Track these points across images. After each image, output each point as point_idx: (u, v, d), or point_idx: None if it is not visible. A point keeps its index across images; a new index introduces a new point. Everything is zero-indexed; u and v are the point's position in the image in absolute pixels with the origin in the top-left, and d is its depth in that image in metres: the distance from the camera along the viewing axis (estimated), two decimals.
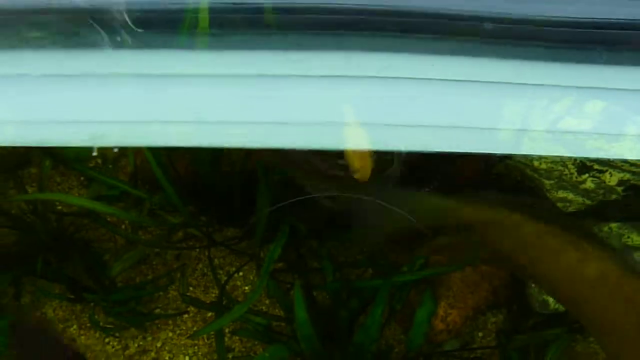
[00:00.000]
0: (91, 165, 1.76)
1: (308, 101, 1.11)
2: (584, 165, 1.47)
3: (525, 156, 1.50)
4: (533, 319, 1.63)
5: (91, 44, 1.07)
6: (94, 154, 1.71)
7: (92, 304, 1.69)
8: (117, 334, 1.70)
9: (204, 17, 1.10)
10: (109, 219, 1.72)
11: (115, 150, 1.71)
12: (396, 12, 1.13)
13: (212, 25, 1.10)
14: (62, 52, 1.06)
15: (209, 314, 1.71)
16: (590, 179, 1.47)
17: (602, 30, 1.14)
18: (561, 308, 1.58)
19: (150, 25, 1.09)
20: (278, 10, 1.10)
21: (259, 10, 1.10)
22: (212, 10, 1.09)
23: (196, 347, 1.73)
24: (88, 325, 1.71)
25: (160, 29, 1.09)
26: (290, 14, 1.10)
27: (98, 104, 1.06)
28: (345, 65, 1.11)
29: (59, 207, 1.76)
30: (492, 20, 1.15)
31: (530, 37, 1.15)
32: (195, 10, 1.10)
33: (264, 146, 1.13)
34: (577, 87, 1.15)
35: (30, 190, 1.77)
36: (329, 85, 1.11)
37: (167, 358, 1.71)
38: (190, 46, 1.10)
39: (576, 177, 1.48)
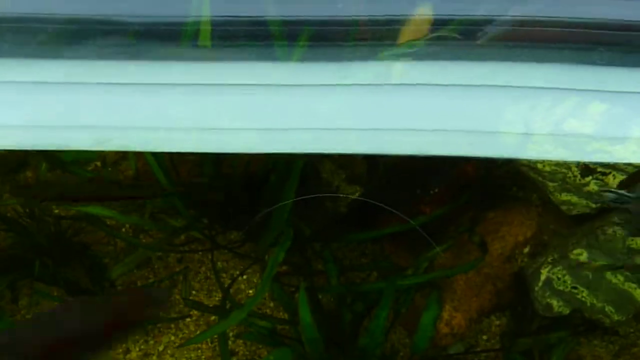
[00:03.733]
0: (90, 168, 1.84)
1: (307, 109, 1.17)
2: (587, 168, 1.52)
3: (528, 159, 1.56)
4: (537, 321, 1.68)
5: (95, 54, 1.16)
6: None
7: None
8: None
9: (205, 29, 1.18)
10: (108, 223, 1.78)
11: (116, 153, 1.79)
12: (390, 21, 1.21)
13: (213, 37, 1.18)
14: (68, 60, 1.15)
15: (212, 318, 1.77)
16: (594, 181, 1.53)
17: (604, 31, 1.21)
18: (565, 311, 1.63)
19: (154, 37, 1.17)
20: (277, 22, 1.18)
21: (258, 23, 1.18)
22: (213, 23, 1.18)
23: (199, 351, 1.78)
24: None
25: (164, 41, 1.17)
26: (288, 26, 1.18)
27: (104, 109, 1.14)
28: (342, 74, 1.19)
29: (56, 211, 1.82)
30: (492, 23, 1.22)
31: (531, 39, 1.22)
32: (197, 23, 1.18)
33: (263, 152, 1.21)
34: (580, 90, 1.22)
35: None
36: (328, 93, 1.19)
37: None
38: (191, 56, 1.19)
39: (579, 180, 1.54)
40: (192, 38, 1.17)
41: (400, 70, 1.22)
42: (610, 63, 1.20)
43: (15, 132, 1.10)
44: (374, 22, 1.21)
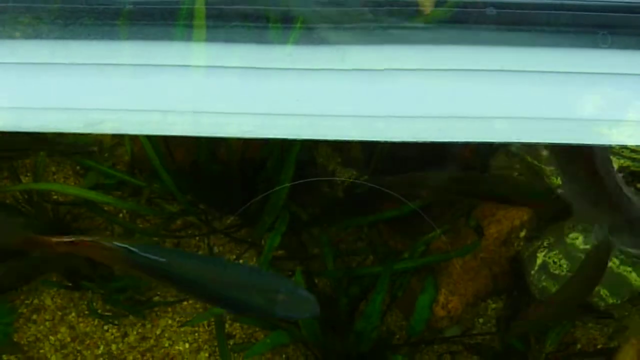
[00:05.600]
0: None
1: (303, 93, 1.14)
2: None
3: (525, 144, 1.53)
4: (533, 305, 1.67)
5: (90, 35, 1.10)
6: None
7: (90, 292, 1.74)
8: (116, 322, 1.75)
9: (200, 9, 1.13)
10: (106, 208, 1.75)
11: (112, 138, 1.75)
12: (390, 2, 1.16)
13: (208, 17, 1.13)
14: (58, 41, 1.09)
15: None
16: None
17: (606, 14, 1.17)
18: None
19: (148, 17, 1.12)
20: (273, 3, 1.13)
21: (254, 2, 1.13)
22: (208, 2, 1.12)
23: (196, 334, 1.76)
24: (86, 312, 1.75)
25: (159, 21, 1.12)
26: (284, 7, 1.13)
27: (95, 91, 1.10)
28: (340, 58, 1.14)
29: (55, 197, 1.79)
30: (495, 5, 1.17)
31: (533, 22, 1.18)
32: (191, 2, 1.13)
33: (259, 136, 1.17)
34: (579, 73, 1.18)
35: (25, 180, 1.80)
36: (325, 78, 1.14)
37: (166, 345, 1.76)
38: (186, 37, 1.14)
39: None
40: (186, 18, 1.11)
41: (396, 54, 1.17)
42: (611, 46, 1.16)
43: (4, 113, 1.05)
44: (372, 4, 1.16)
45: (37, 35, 1.09)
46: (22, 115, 1.06)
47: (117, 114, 1.10)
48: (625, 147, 1.45)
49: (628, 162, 1.50)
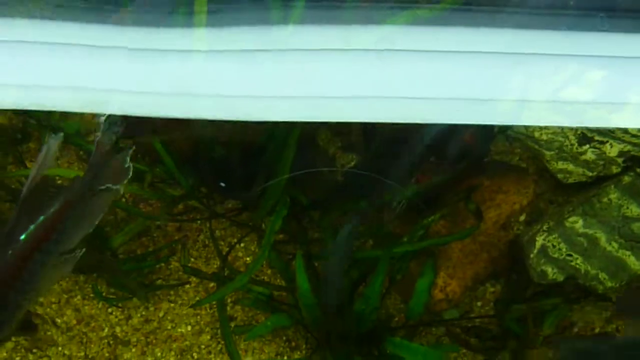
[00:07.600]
0: (90, 139, 1.77)
1: (305, 75, 1.11)
2: (584, 136, 1.47)
3: (526, 127, 1.50)
4: (531, 289, 1.64)
5: (91, 17, 1.07)
6: None
7: (94, 275, 1.72)
8: (120, 305, 1.73)
9: None
10: None
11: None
12: None
13: (210, 1, 1.09)
14: (63, 22, 1.06)
15: (211, 285, 1.73)
16: (591, 150, 1.48)
17: None
18: (559, 278, 1.59)
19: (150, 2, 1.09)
20: None
21: None
22: None
23: (198, 317, 1.75)
24: (91, 295, 1.74)
25: (159, 6, 1.09)
26: None
27: (98, 72, 1.07)
28: (342, 38, 1.11)
29: (59, 182, 1.76)
30: None
31: (532, 4, 1.15)
32: None
33: (262, 119, 1.14)
34: (579, 56, 1.15)
35: (29, 165, 1.76)
36: (327, 58, 1.11)
37: (169, 327, 1.74)
38: (186, 22, 1.10)
39: (577, 148, 1.49)
40: (187, 2, 1.08)
41: (398, 35, 1.13)
42: (610, 29, 1.12)
43: (8, 91, 1.02)
44: None
45: (42, 16, 1.06)
46: (24, 93, 1.03)
47: (118, 95, 1.08)
48: (626, 131, 1.41)
49: (629, 147, 1.47)
